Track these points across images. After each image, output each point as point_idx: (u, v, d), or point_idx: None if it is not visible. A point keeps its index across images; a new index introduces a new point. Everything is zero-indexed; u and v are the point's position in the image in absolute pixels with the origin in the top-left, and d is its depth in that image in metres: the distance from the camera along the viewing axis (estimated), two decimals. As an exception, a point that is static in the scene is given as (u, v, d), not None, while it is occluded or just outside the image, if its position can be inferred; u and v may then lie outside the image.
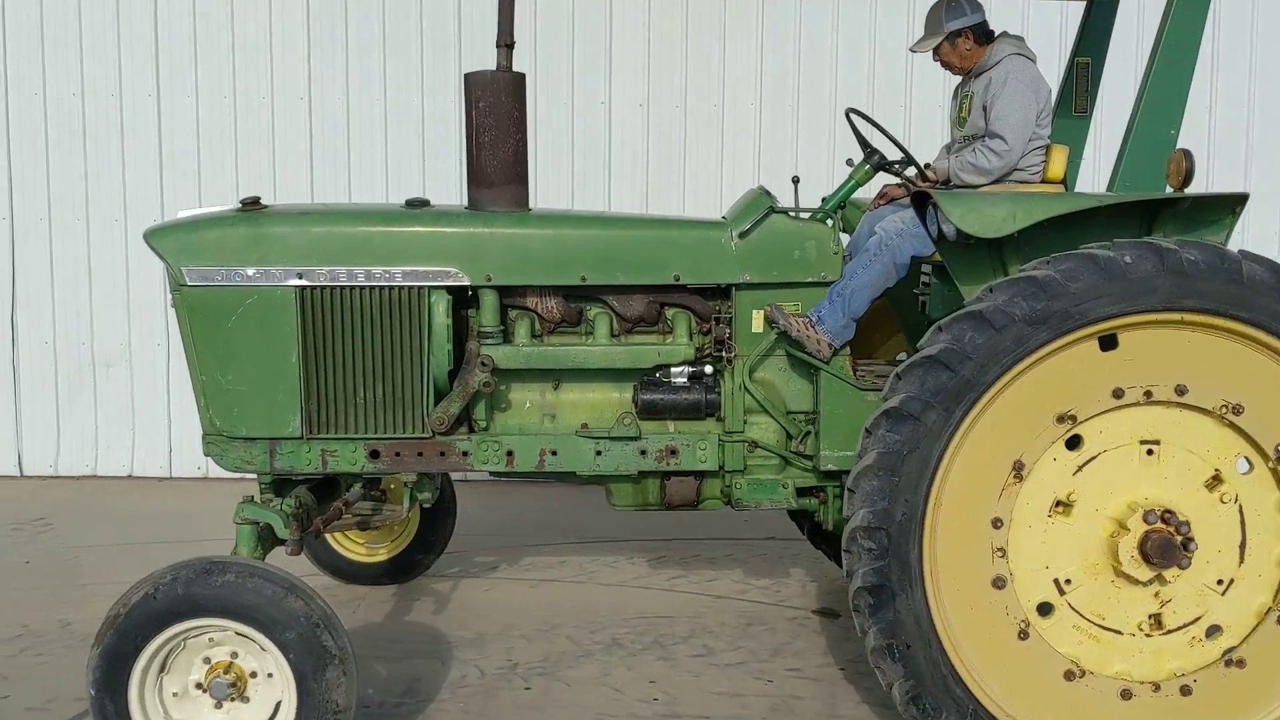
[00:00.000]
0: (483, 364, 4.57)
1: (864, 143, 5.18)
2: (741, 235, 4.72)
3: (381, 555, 6.03)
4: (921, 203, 4.40)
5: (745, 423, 4.79)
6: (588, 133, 8.34)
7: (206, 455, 4.71)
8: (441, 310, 4.61)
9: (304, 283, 4.52)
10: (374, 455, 4.66)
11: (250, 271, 4.51)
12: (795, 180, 5.04)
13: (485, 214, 4.68)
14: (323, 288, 4.54)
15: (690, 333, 4.80)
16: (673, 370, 4.77)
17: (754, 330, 4.79)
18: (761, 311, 4.80)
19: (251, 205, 4.66)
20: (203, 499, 7.70)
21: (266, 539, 4.47)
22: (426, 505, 5.03)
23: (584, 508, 7.53)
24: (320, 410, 4.60)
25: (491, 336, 4.69)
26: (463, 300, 4.74)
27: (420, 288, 4.58)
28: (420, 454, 4.66)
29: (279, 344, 4.54)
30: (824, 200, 5.00)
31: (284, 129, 8.25)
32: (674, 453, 4.74)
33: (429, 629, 5.53)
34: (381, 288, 4.57)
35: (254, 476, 4.76)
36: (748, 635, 5.56)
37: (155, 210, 8.05)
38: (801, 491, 4.87)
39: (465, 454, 4.68)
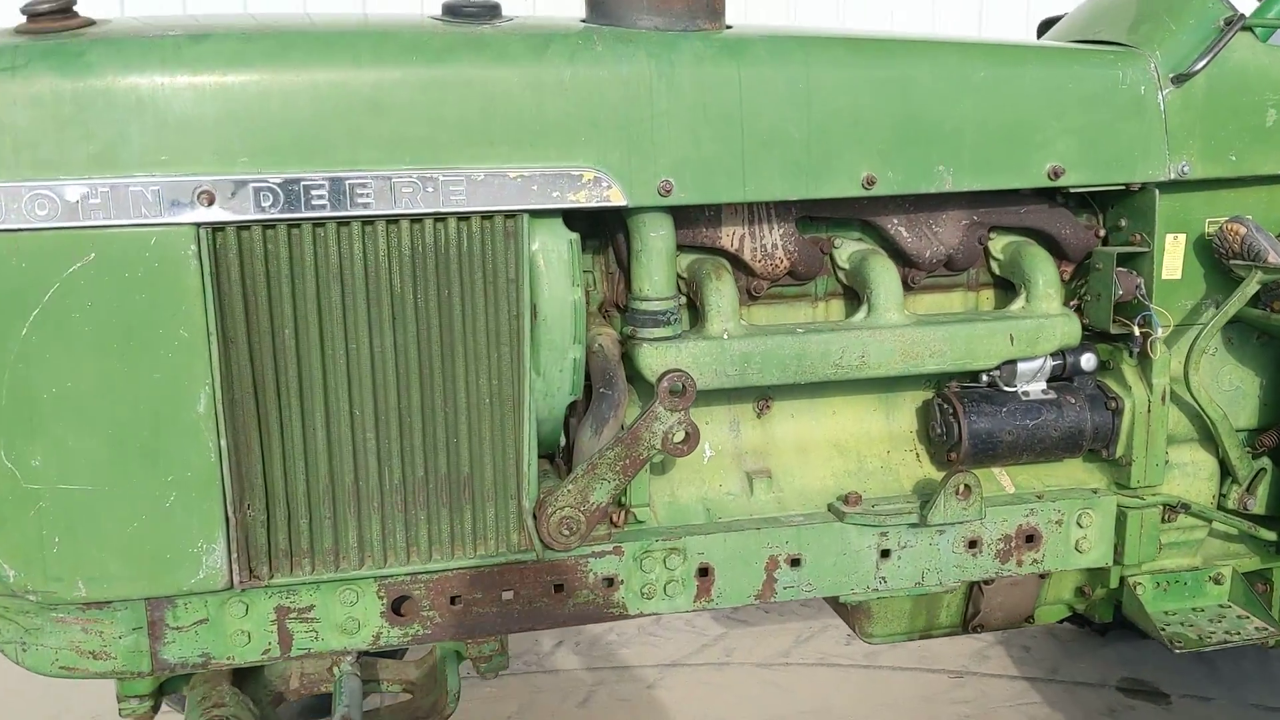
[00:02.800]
0: (673, 391, 1.93)
1: None
2: (1178, 77, 2.19)
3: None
4: None
5: (1166, 464, 2.33)
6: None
7: (-13, 637, 1.96)
8: (561, 266, 1.95)
9: (219, 215, 1.77)
10: (399, 607, 2.00)
11: (74, 192, 1.72)
12: None
13: (644, 33, 1.99)
14: (265, 226, 1.80)
15: (1059, 285, 2.28)
16: (1020, 368, 2.24)
17: (1164, 275, 2.31)
18: (1180, 238, 2.31)
19: (56, 16, 1.84)
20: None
21: None
22: (491, 676, 2.36)
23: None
24: (271, 520, 1.90)
25: (663, 317, 2.05)
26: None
27: (508, 216, 1.89)
28: (512, 594, 2.03)
29: (162, 369, 1.80)
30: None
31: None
32: (1031, 540, 2.25)
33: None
34: (414, 220, 1.86)
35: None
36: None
37: None
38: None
39: (610, 583, 2.07)
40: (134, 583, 1.86)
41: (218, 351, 1.82)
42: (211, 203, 1.76)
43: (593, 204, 1.92)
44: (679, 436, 1.95)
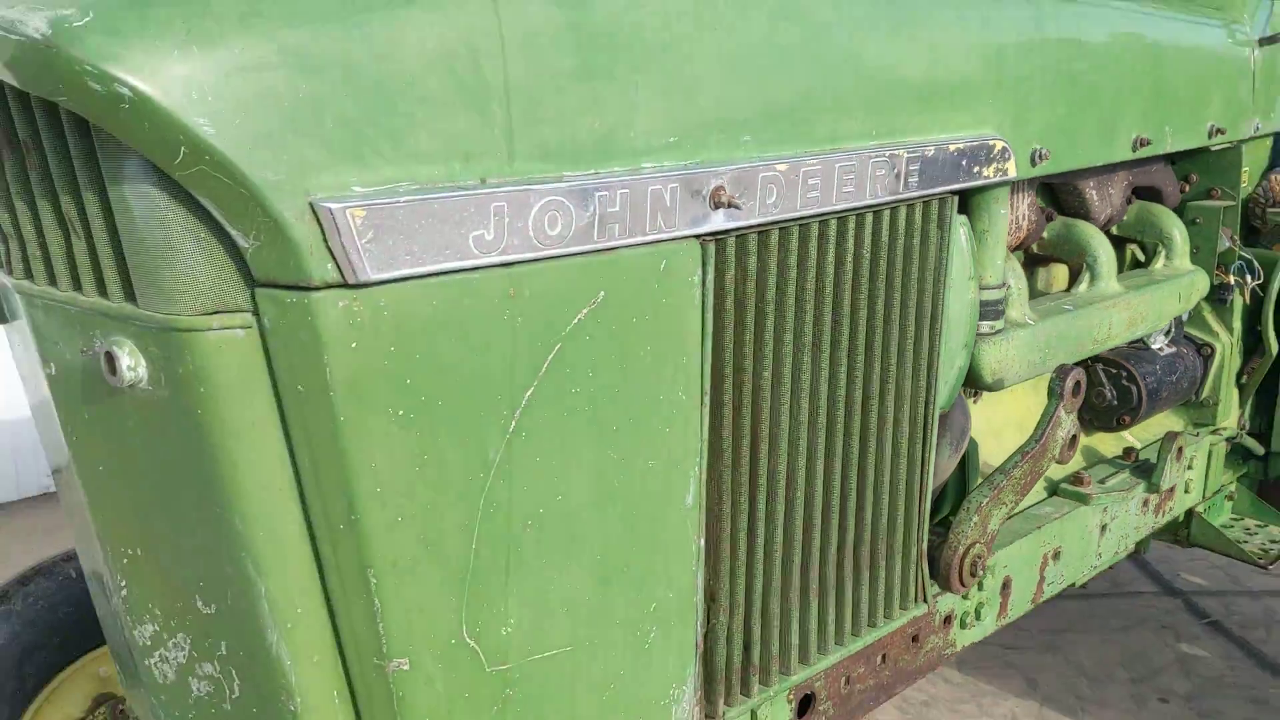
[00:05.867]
0: (1074, 391, 1.71)
1: None
2: (1262, 40, 2.34)
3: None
4: None
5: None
6: None
7: None
8: (964, 255, 1.65)
9: (723, 221, 1.23)
10: (805, 708, 1.58)
11: (588, 194, 1.09)
12: None
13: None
14: (760, 233, 1.29)
15: (1189, 242, 2.35)
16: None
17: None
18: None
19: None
20: None
21: None
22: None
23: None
24: (730, 635, 1.40)
25: (1000, 307, 1.79)
26: None
27: (942, 200, 1.54)
28: (881, 657, 1.69)
29: (658, 450, 1.24)
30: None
31: None
32: (1171, 490, 2.33)
33: None
34: (864, 214, 1.43)
35: None
36: None
37: None
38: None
39: (948, 621, 1.80)
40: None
41: (708, 416, 1.27)
42: (721, 204, 1.22)
43: (993, 179, 1.61)
44: (1069, 439, 1.73)
